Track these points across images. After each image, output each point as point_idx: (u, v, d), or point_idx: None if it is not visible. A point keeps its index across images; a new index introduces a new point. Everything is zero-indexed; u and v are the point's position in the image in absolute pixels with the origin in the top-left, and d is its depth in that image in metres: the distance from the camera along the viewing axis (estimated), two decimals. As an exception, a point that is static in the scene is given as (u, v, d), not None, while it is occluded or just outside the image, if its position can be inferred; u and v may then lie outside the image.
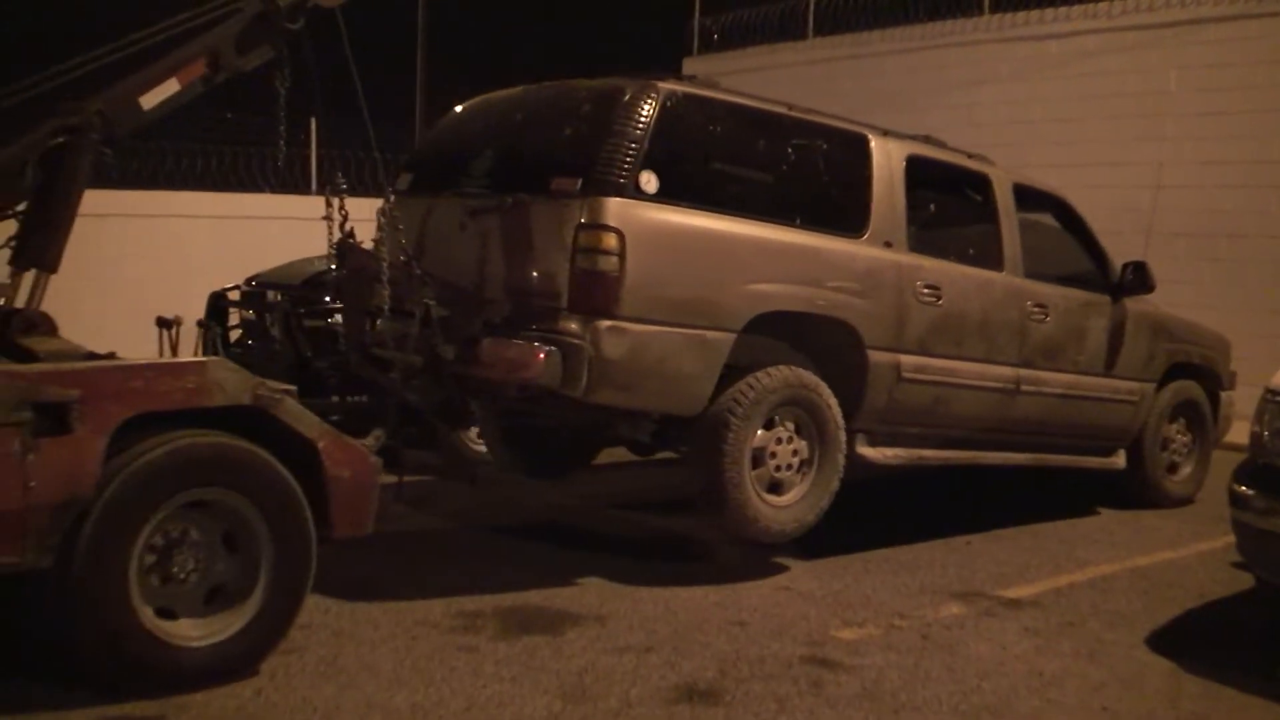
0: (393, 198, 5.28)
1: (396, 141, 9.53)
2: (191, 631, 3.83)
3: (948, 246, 6.36)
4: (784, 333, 5.50)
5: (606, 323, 4.94)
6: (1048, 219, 7.26)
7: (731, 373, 5.31)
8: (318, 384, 5.38)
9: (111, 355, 4.11)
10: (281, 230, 10.47)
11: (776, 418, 5.42)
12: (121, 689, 3.69)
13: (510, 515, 6.63)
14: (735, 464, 5.25)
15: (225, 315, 8.13)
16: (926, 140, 6.53)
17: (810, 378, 5.53)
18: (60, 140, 4.33)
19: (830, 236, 5.69)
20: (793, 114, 5.80)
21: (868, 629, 4.85)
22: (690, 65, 16.20)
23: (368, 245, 5.21)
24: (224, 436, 3.86)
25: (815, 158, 5.80)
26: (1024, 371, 6.57)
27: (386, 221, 5.18)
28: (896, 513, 7.21)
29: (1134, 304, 7.28)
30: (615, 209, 4.96)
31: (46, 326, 4.33)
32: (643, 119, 5.10)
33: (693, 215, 5.21)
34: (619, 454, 6.89)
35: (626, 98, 5.17)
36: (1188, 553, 6.46)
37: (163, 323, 6.75)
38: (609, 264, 4.93)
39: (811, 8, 15.49)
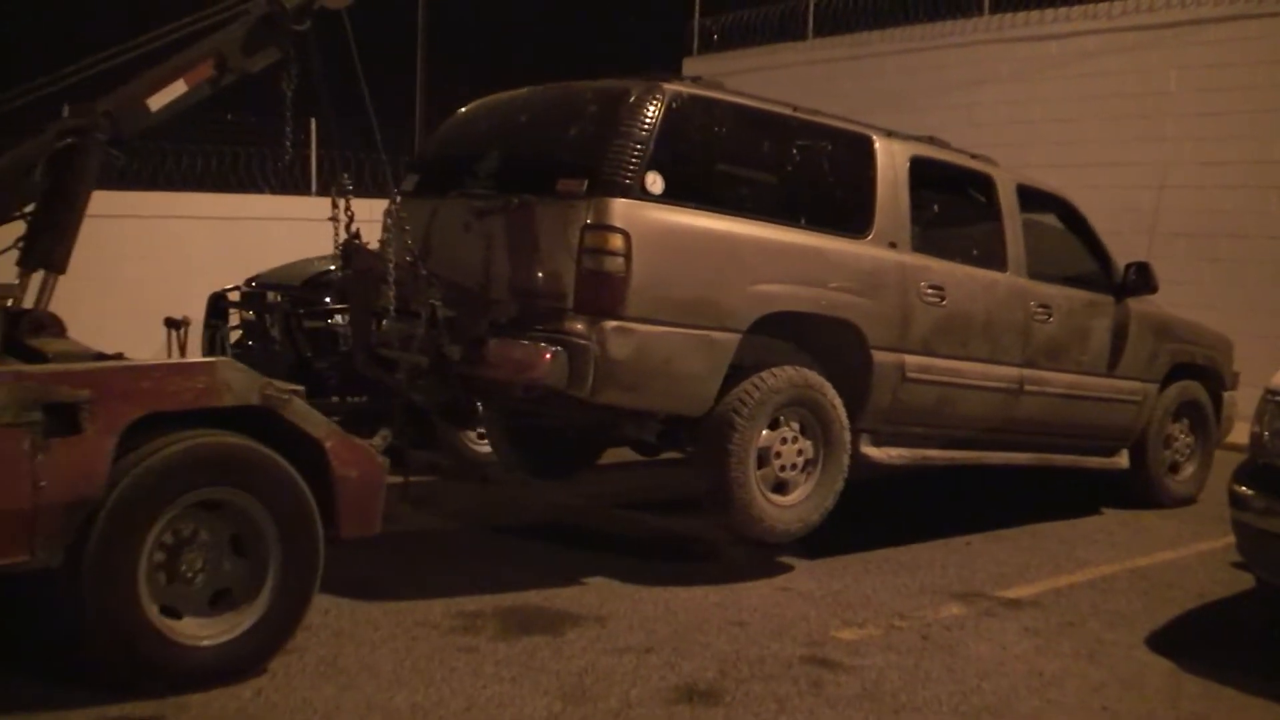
0: (399, 199, 5.29)
1: (396, 142, 9.53)
2: (197, 631, 3.84)
3: (952, 247, 6.37)
4: (789, 333, 5.52)
5: (612, 323, 4.95)
6: (1051, 219, 7.27)
7: (737, 373, 5.32)
8: (318, 384, 5.38)
9: (119, 356, 4.12)
10: (282, 231, 10.49)
11: (781, 418, 5.44)
12: (128, 687, 3.70)
13: (512, 515, 6.63)
14: (740, 464, 5.27)
15: (225, 316, 8.13)
16: (930, 141, 6.54)
17: (815, 378, 5.54)
18: (68, 142, 4.33)
19: (835, 237, 5.71)
20: (797, 115, 5.81)
21: (868, 629, 4.86)
22: (690, 66, 16.20)
23: (373, 246, 5.22)
24: (232, 436, 3.87)
25: (820, 159, 5.81)
26: (1027, 372, 6.59)
27: (393, 222, 5.20)
28: (897, 513, 7.22)
29: (1137, 304, 7.29)
30: (621, 210, 4.97)
31: (55, 327, 4.33)
32: (648, 120, 5.11)
33: (698, 216, 5.22)
34: (624, 454, 6.90)
35: (632, 99, 5.18)
36: (1188, 553, 6.47)
37: (171, 323, 6.75)
38: (615, 265, 4.94)
39: (811, 8, 15.50)
